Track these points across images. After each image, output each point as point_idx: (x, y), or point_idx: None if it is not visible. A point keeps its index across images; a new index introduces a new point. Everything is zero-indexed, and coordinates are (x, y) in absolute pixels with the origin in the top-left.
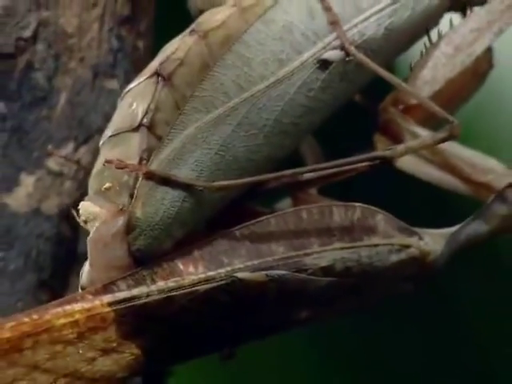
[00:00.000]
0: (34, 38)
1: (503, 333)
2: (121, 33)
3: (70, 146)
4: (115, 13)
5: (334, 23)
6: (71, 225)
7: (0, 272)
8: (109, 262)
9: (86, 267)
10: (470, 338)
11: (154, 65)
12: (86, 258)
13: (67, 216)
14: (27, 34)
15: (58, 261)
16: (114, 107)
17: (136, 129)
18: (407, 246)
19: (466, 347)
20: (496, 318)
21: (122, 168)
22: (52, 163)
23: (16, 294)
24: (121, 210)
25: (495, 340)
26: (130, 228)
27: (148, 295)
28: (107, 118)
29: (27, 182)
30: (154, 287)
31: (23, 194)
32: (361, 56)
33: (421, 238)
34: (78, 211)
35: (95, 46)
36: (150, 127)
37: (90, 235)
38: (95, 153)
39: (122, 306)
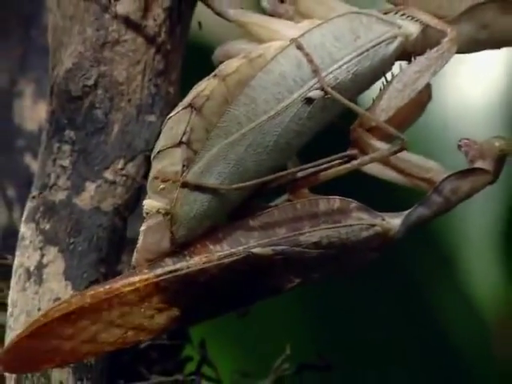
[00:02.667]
0: (95, 85)
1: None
2: (157, 82)
3: (121, 163)
4: (153, 67)
5: (316, 71)
6: (121, 218)
7: (71, 252)
8: (155, 247)
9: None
10: (424, 297)
11: (188, 99)
12: (133, 243)
13: (119, 212)
14: (90, 82)
15: (112, 244)
16: (152, 134)
17: (178, 145)
18: (373, 225)
19: (420, 304)
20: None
21: (166, 181)
22: (108, 174)
23: (82, 267)
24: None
25: (447, 298)
26: (172, 222)
27: (188, 267)
28: (147, 143)
29: (90, 188)
30: (192, 262)
31: (87, 196)
32: (335, 94)
33: (383, 219)
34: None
35: (139, 91)
36: (188, 144)
37: (143, 226)
38: (139, 167)
39: (169, 276)
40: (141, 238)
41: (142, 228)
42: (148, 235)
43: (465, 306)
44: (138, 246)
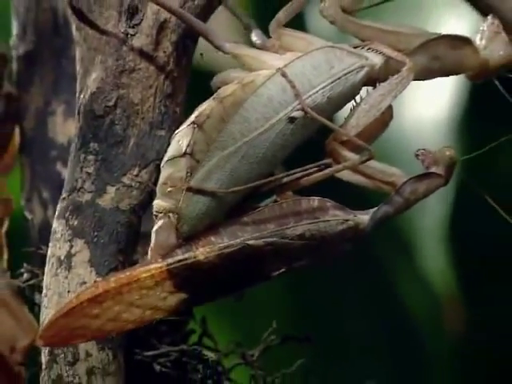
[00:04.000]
0: (115, 106)
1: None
2: (166, 103)
3: (136, 170)
4: (163, 91)
5: (297, 95)
6: (136, 216)
7: (95, 244)
8: (165, 244)
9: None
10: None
11: (191, 118)
12: (145, 236)
13: (134, 211)
14: (111, 103)
15: (129, 237)
16: (162, 147)
17: (183, 156)
18: (347, 220)
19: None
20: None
21: (173, 185)
22: (125, 179)
23: (104, 256)
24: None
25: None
26: (178, 220)
27: (194, 257)
28: (158, 153)
29: (111, 191)
30: (198, 252)
31: (108, 198)
32: (314, 114)
33: (355, 215)
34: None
35: (151, 111)
36: (191, 155)
37: (154, 228)
38: (151, 174)
39: (179, 264)
40: (153, 237)
41: (153, 229)
42: (158, 235)
43: (419, 286)
44: (151, 245)
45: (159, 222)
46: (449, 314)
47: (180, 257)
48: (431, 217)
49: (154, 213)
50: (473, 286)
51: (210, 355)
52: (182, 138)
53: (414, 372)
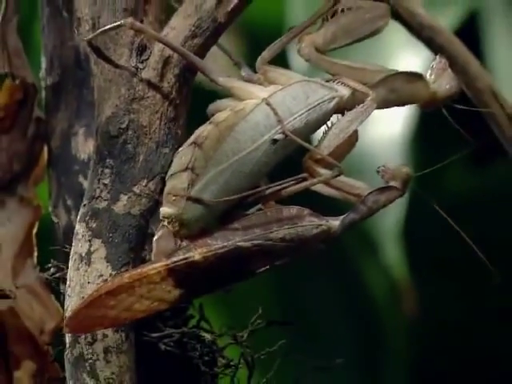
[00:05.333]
0: (127, 128)
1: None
2: (170, 126)
3: (145, 182)
4: (167, 116)
5: (279, 121)
6: (145, 220)
7: (110, 243)
8: (164, 249)
9: (154, 248)
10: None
11: (192, 139)
12: (152, 237)
13: (143, 215)
14: (123, 126)
15: (138, 238)
16: (166, 162)
17: (185, 170)
18: (320, 225)
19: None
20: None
21: (176, 195)
22: (136, 189)
23: (118, 253)
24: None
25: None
26: (180, 224)
27: (193, 257)
28: (163, 168)
29: (123, 199)
30: (196, 252)
31: (121, 205)
32: (293, 136)
33: (327, 221)
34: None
35: (157, 132)
36: (192, 170)
37: (155, 237)
38: (157, 185)
39: (180, 263)
40: (154, 245)
41: (154, 239)
42: (159, 243)
43: (379, 276)
44: (153, 251)
45: (159, 233)
46: (404, 300)
47: (181, 256)
48: (389, 219)
49: (161, 217)
50: (424, 275)
51: (207, 336)
52: (184, 156)
53: (375, 349)
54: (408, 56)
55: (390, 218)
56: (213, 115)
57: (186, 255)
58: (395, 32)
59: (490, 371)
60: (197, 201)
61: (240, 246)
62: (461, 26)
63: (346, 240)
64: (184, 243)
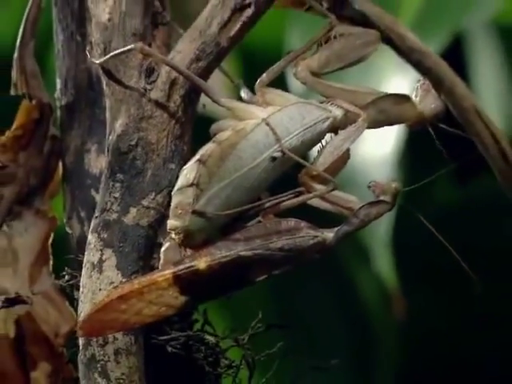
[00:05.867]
0: (136, 145)
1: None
2: (176, 143)
3: (153, 195)
4: (173, 133)
5: (278, 140)
6: (153, 230)
7: (120, 252)
8: (171, 260)
9: (162, 258)
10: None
11: (197, 156)
12: (159, 246)
13: (151, 226)
14: (133, 143)
15: (147, 247)
16: (173, 177)
17: (190, 186)
18: (316, 236)
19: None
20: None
21: (182, 209)
22: (144, 202)
23: (128, 262)
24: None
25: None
26: (186, 235)
27: (198, 265)
28: (170, 182)
29: (133, 211)
30: (201, 261)
31: (131, 216)
32: (290, 154)
33: (322, 233)
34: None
35: (164, 149)
36: (197, 185)
37: (162, 249)
38: (164, 198)
39: (185, 271)
40: (162, 256)
41: (162, 250)
42: (166, 254)
43: (371, 283)
44: (161, 261)
45: (166, 245)
46: (394, 305)
47: (187, 264)
48: (380, 230)
49: (168, 230)
50: (412, 282)
51: (210, 339)
52: (189, 173)
53: (367, 350)
54: (397, 79)
55: (381, 229)
56: (215, 134)
57: (192, 263)
58: (385, 57)
59: (474, 373)
60: (201, 214)
61: (241, 256)
62: (447, 50)
63: (340, 249)
64: (189, 253)
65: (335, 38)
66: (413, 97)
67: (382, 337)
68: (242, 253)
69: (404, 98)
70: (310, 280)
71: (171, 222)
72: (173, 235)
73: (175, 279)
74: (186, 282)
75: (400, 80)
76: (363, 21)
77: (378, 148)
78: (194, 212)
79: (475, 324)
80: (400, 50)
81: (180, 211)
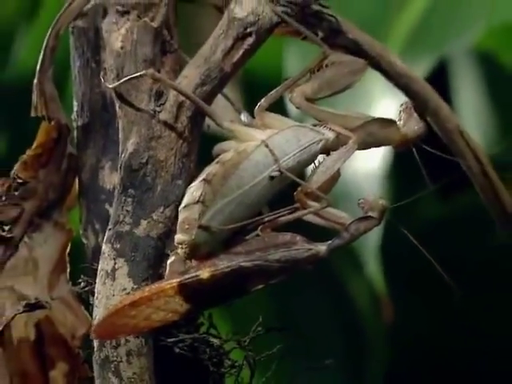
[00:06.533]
0: (146, 163)
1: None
2: (183, 161)
3: (161, 209)
4: (181, 152)
5: (276, 160)
6: (162, 241)
7: (132, 261)
8: (175, 271)
9: (168, 270)
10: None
11: (202, 175)
12: (167, 256)
13: (160, 238)
14: (143, 161)
15: (156, 256)
16: (180, 192)
17: (196, 203)
18: (310, 249)
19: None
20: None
21: (189, 224)
22: (154, 215)
23: (139, 270)
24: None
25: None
26: (192, 248)
27: (202, 275)
28: (177, 197)
29: (143, 223)
30: (204, 271)
31: (142, 228)
32: (287, 173)
33: (316, 246)
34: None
35: (172, 166)
36: (202, 202)
37: (168, 261)
38: (172, 211)
39: (190, 281)
40: (168, 267)
41: (168, 262)
42: (172, 266)
43: (363, 289)
44: (167, 272)
45: (172, 258)
46: (383, 309)
47: (192, 274)
48: (370, 241)
49: (175, 243)
50: (399, 289)
51: (215, 341)
52: (195, 191)
53: (358, 351)
54: (384, 104)
55: (371, 240)
56: (218, 155)
57: (196, 273)
58: (374, 84)
59: (455, 372)
60: (206, 228)
61: (242, 266)
62: (431, 74)
63: (334, 258)
64: (194, 264)
65: (327, 66)
66: (397, 120)
67: (372, 338)
68: (243, 264)
69: (390, 122)
70: (307, 287)
71: (178, 237)
72: (178, 250)
73: (181, 287)
74: (190, 290)
75: (388, 103)
76: (356, 49)
77: (367, 167)
78: (200, 227)
79: (457, 327)
80: (389, 75)
81: (187, 226)
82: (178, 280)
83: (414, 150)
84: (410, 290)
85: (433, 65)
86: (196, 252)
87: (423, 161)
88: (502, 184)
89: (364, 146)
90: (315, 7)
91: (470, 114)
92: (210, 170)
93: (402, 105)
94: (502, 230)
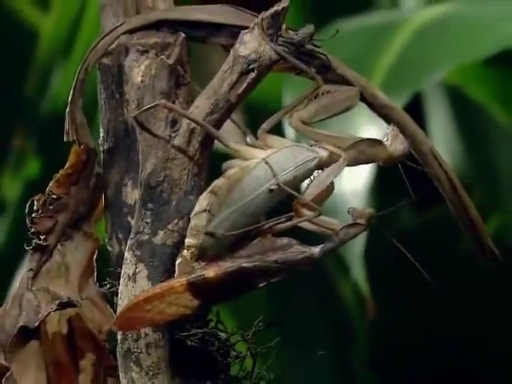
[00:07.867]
0: (163, 181)
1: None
2: (194, 179)
3: (176, 221)
4: (192, 172)
5: (275, 175)
6: (176, 249)
7: (151, 266)
8: (184, 272)
9: (176, 270)
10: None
11: (209, 188)
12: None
13: (175, 246)
14: (160, 179)
15: (171, 261)
16: (192, 206)
17: (204, 211)
18: (305, 252)
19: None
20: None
21: (197, 230)
22: (170, 227)
23: (156, 274)
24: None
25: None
26: (200, 252)
27: (208, 274)
28: (190, 210)
29: (160, 233)
30: (210, 271)
31: (159, 238)
32: (285, 187)
33: (310, 249)
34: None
35: (185, 184)
36: (209, 211)
37: (177, 262)
38: (185, 223)
39: (197, 279)
40: (177, 269)
41: (176, 263)
42: (179, 267)
43: (349, 289)
44: (176, 272)
45: (179, 259)
46: (368, 308)
47: (199, 273)
48: (357, 246)
49: (185, 246)
50: (383, 289)
51: (222, 335)
52: (203, 201)
53: (345, 344)
54: (370, 128)
55: (356, 246)
56: (225, 171)
57: (203, 273)
58: (362, 110)
59: (431, 360)
60: (212, 234)
61: (244, 267)
62: (409, 105)
63: (324, 262)
64: (201, 265)
65: (322, 94)
66: (384, 141)
67: (358, 331)
68: (244, 264)
69: (377, 142)
70: (301, 288)
71: (188, 241)
72: (184, 252)
73: (189, 285)
74: (198, 287)
75: (372, 128)
76: (343, 83)
77: (356, 182)
78: (207, 233)
79: (436, 322)
80: (372, 105)
81: (195, 232)
82: (186, 278)
83: (399, 166)
84: (391, 290)
85: (410, 97)
86: (203, 254)
87: (401, 178)
88: (469, 199)
89: (354, 163)
90: (309, 47)
91: (441, 138)
92: (217, 183)
93: (389, 127)
94: (483, 258)
